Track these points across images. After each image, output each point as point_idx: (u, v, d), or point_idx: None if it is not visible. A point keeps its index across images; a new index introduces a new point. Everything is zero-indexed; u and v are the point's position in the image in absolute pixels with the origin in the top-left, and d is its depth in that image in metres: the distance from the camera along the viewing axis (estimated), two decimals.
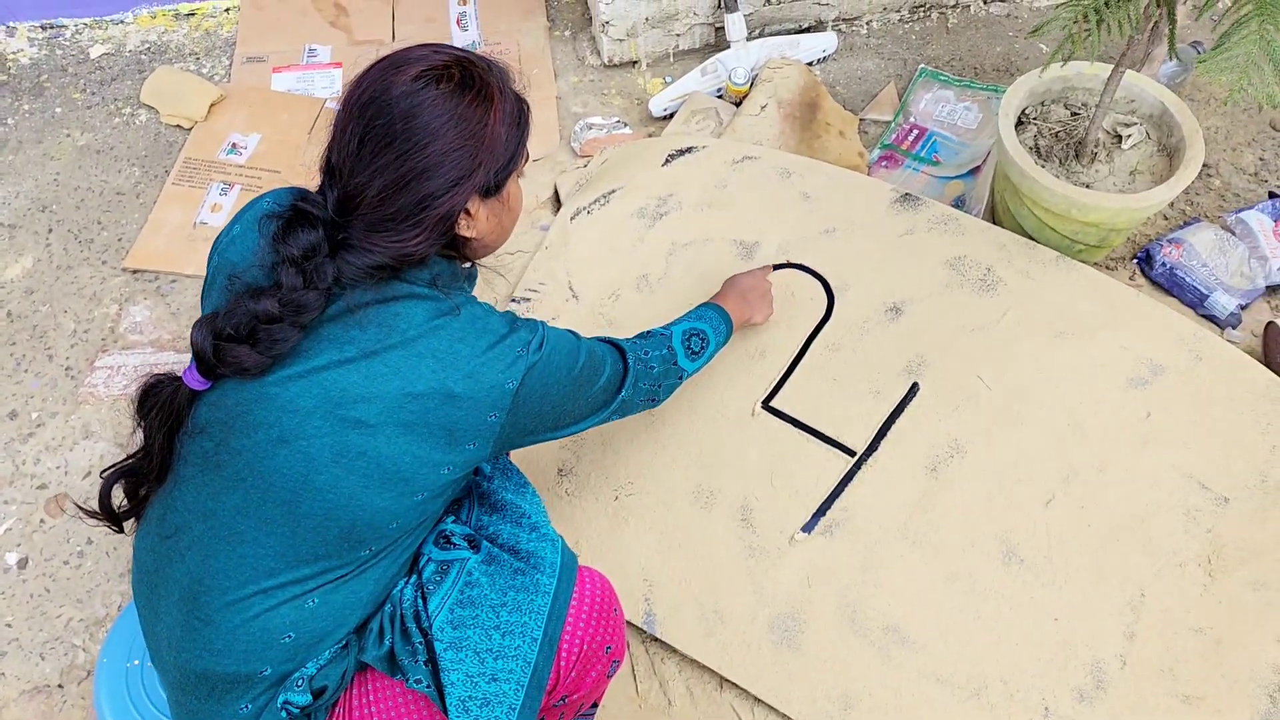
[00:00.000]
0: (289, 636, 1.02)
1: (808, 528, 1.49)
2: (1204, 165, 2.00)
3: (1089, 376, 1.60)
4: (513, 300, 1.81)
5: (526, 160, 1.11)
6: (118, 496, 1.08)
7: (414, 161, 0.98)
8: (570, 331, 1.17)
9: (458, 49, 1.05)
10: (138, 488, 1.07)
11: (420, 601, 1.08)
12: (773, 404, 1.61)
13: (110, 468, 1.06)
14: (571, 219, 1.89)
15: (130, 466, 1.05)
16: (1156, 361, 1.61)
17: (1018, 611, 1.41)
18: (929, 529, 1.48)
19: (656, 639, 1.46)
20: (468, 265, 1.15)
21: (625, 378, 1.24)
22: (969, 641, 1.40)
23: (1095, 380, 1.59)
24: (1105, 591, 1.42)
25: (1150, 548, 1.45)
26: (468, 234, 1.06)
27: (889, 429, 1.57)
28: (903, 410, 1.58)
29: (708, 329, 1.41)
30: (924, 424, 1.57)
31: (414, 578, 1.10)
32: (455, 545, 1.12)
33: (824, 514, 1.50)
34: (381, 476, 1.00)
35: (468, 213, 1.04)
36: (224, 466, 1.00)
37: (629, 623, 1.46)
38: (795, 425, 1.58)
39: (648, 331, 1.38)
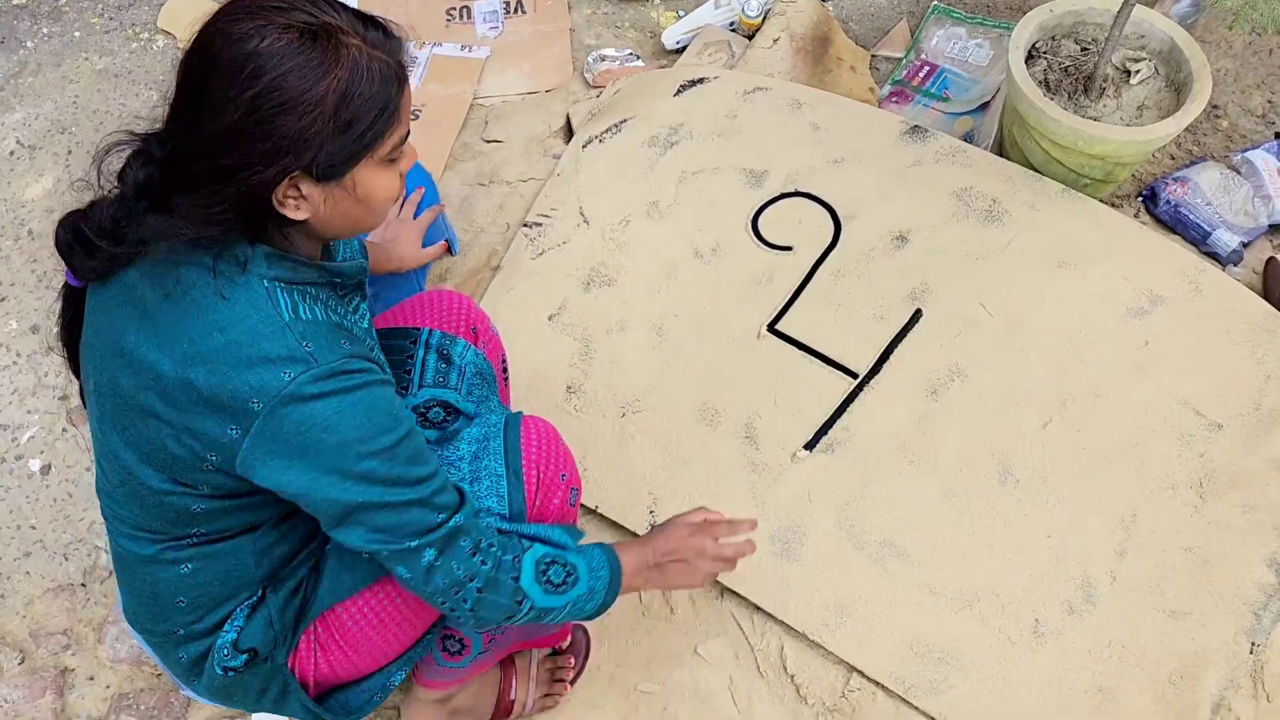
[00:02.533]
0: (181, 600, 1.01)
1: (810, 445, 1.52)
2: (1212, 106, 2.00)
3: (1089, 305, 1.62)
4: (525, 226, 1.82)
5: (397, 144, 0.91)
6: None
7: (215, 123, 0.83)
8: (412, 424, 0.94)
9: (337, 5, 0.88)
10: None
11: None
12: (778, 327, 1.63)
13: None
14: (583, 147, 1.90)
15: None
16: (1156, 292, 1.63)
17: (1011, 528, 1.45)
18: (927, 449, 1.51)
19: None
20: (335, 264, 0.99)
21: (441, 526, 0.94)
22: (963, 556, 1.43)
23: (1095, 309, 1.61)
24: (1098, 511, 1.45)
25: (1143, 471, 1.48)
26: (296, 216, 0.89)
27: (891, 353, 1.59)
28: (905, 335, 1.60)
29: (581, 566, 1.05)
30: (926, 349, 1.59)
31: None
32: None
33: (826, 433, 1.53)
34: (150, 452, 0.93)
35: (299, 192, 0.88)
36: (101, 403, 0.97)
37: (634, 534, 1.50)
38: (800, 348, 1.61)
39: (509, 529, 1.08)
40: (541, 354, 1.66)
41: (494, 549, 0.99)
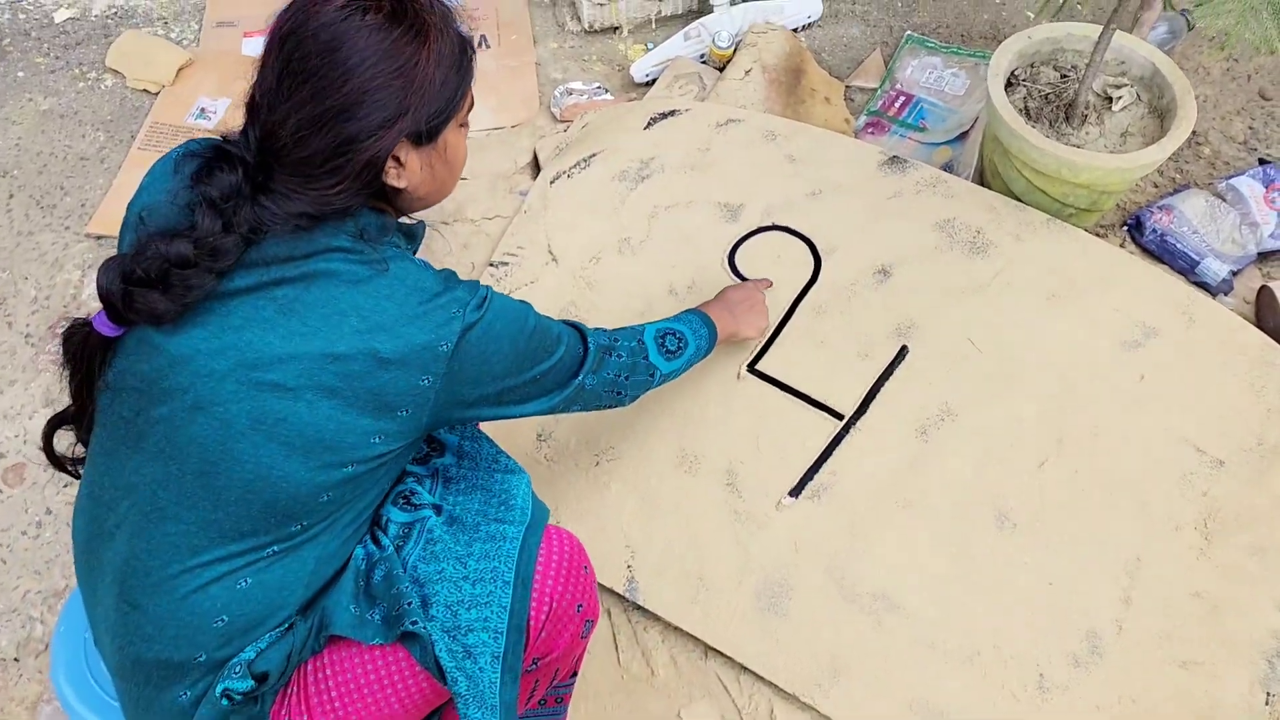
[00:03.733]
0: (221, 620, 0.94)
1: (795, 492, 1.44)
2: (1194, 134, 1.97)
3: (1081, 339, 1.55)
4: (490, 265, 1.75)
5: (469, 109, 1.02)
6: (70, 447, 1.02)
7: (332, 99, 0.89)
8: (524, 302, 1.05)
9: None
10: (81, 437, 1.01)
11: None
12: (758, 367, 1.56)
13: (54, 416, 1.00)
14: (551, 183, 1.83)
15: (66, 415, 0.99)
16: (1149, 324, 1.57)
17: (1011, 576, 1.37)
18: (919, 493, 1.43)
19: (639, 607, 1.41)
20: (408, 220, 1.06)
21: (585, 361, 1.12)
22: (961, 607, 1.35)
23: (1088, 342, 1.55)
24: (1100, 556, 1.38)
25: (1145, 512, 1.41)
26: (397, 184, 0.96)
27: (878, 392, 1.52)
28: (892, 373, 1.53)
29: (685, 330, 1.31)
30: (914, 387, 1.52)
31: (377, 537, 1.05)
32: (418, 506, 1.07)
33: (811, 478, 1.45)
34: (304, 445, 0.92)
35: (397, 161, 0.94)
36: (145, 437, 0.92)
37: (610, 590, 1.41)
38: (782, 388, 1.53)
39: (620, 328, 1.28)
40: None
41: (622, 343, 1.20)
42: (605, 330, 1.20)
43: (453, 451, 1.21)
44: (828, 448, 1.47)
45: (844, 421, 1.49)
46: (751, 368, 1.56)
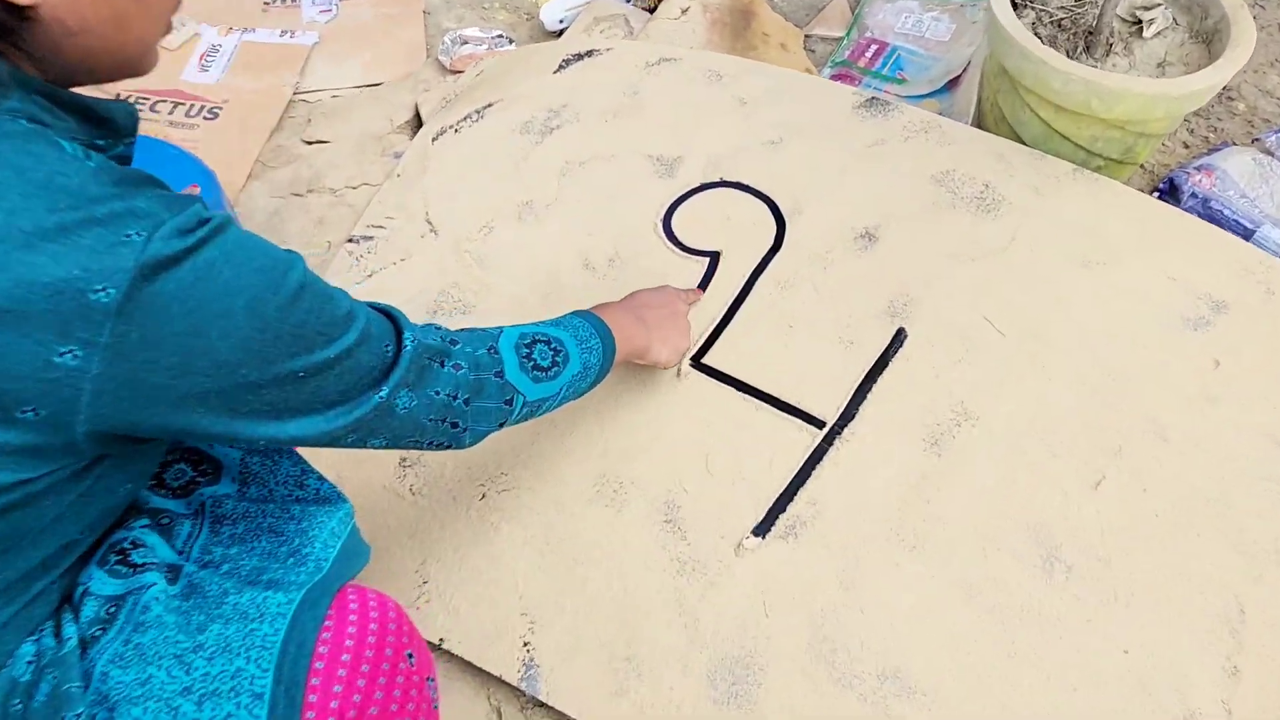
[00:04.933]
0: None
1: (760, 530, 1.03)
2: (1225, 89, 1.64)
3: (1132, 316, 1.18)
4: (350, 240, 1.33)
5: None
6: None
7: None
8: (290, 251, 0.62)
9: None
10: None
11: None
12: (706, 361, 1.16)
13: None
14: (434, 140, 1.43)
15: None
16: (1217, 296, 1.20)
17: (1069, 640, 0.97)
18: (933, 525, 1.03)
19: (540, 703, 0.98)
20: (88, 95, 0.62)
21: (395, 364, 0.68)
22: (1000, 688, 0.94)
23: (1141, 321, 1.17)
24: (1191, 608, 0.99)
25: (1242, 541, 1.02)
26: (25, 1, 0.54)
27: (869, 390, 1.12)
28: (886, 364, 1.14)
29: (566, 338, 0.88)
30: (917, 382, 1.13)
31: (63, 622, 0.62)
32: (140, 567, 0.65)
33: (783, 510, 1.05)
34: None
35: None
36: None
37: (498, 680, 0.98)
38: (739, 388, 1.13)
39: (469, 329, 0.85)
40: None
41: (463, 348, 0.77)
42: (441, 327, 0.78)
43: (232, 474, 0.79)
44: (804, 467, 1.07)
45: (825, 430, 1.10)
46: (696, 362, 1.15)
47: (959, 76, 1.58)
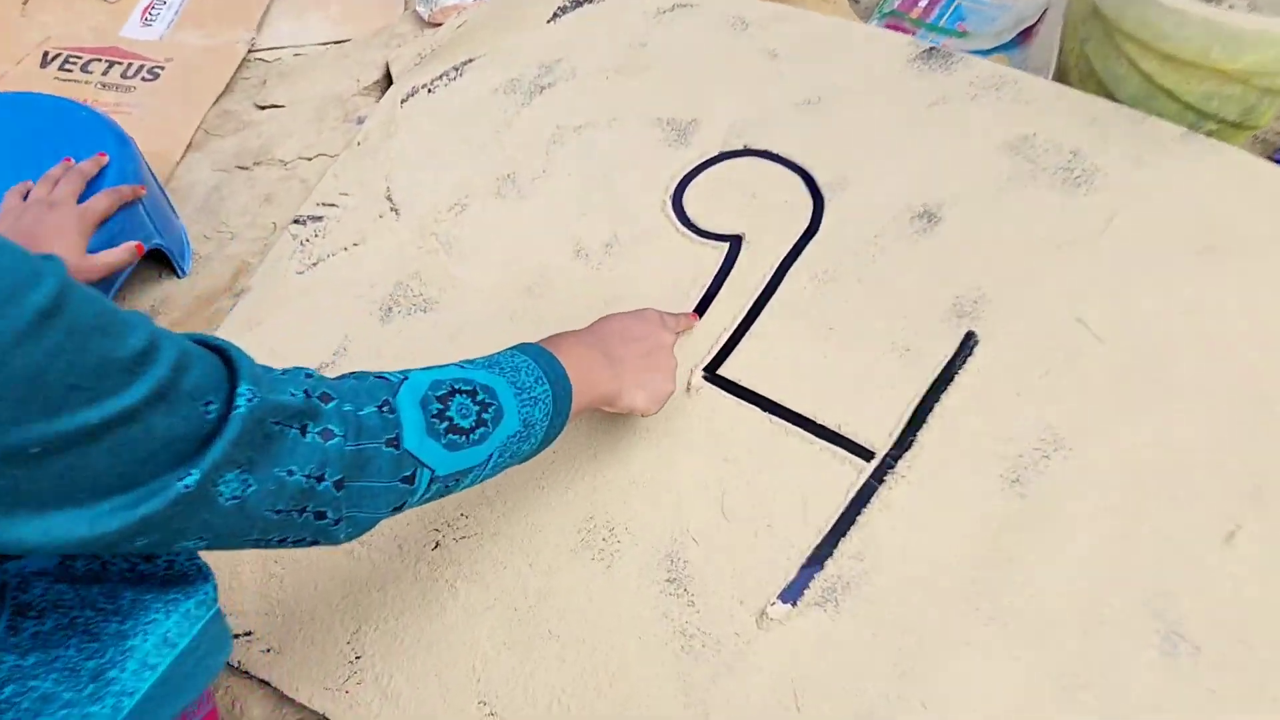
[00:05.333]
0: None
1: (790, 595, 0.80)
2: None
3: (1270, 316, 0.93)
4: (295, 222, 1.11)
5: None
6: None
7: None
8: (48, 255, 0.41)
9: None
10: None
11: None
12: (722, 371, 0.92)
13: None
14: (402, 102, 1.21)
15: None
16: None
17: None
18: (1017, 592, 0.79)
19: None
20: None
21: (218, 431, 0.47)
22: None
23: None
24: None
25: None
26: None
27: (930, 411, 0.88)
28: (952, 378, 0.90)
29: (500, 386, 0.65)
30: (992, 401, 0.89)
31: None
32: None
33: (820, 567, 0.81)
34: None
35: None
36: None
37: None
38: (764, 407, 0.90)
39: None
40: None
41: (339, 404, 0.54)
42: (314, 375, 0.56)
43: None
44: (848, 512, 0.84)
45: (875, 463, 0.86)
46: (711, 374, 0.92)
47: (1033, 27, 1.33)
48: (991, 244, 0.98)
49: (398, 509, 0.59)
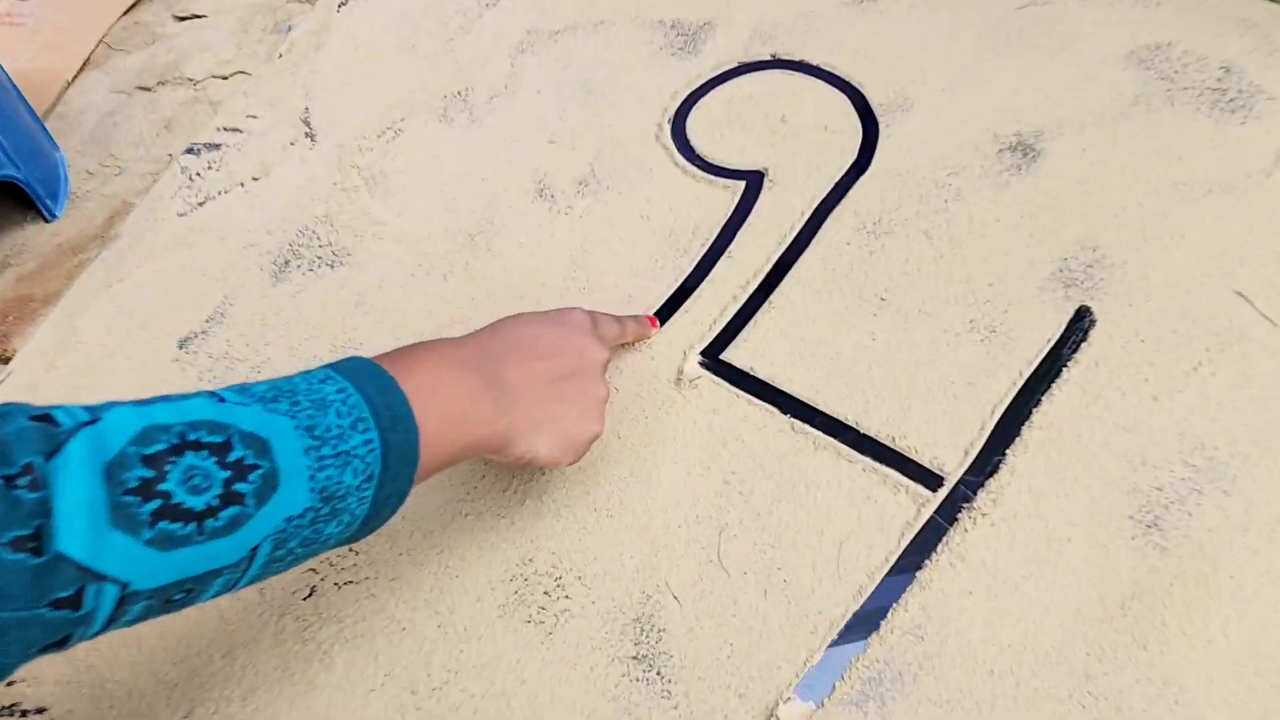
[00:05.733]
0: None
1: (812, 688, 0.54)
2: None
3: None
4: (187, 151, 0.87)
5: None
6: None
7: None
8: None
9: None
10: None
11: None
12: (727, 356, 0.66)
13: None
14: (340, 6, 0.96)
15: None
16: None
17: None
18: (1152, 692, 0.52)
19: None
20: None
21: None
22: None
23: None
24: None
25: None
26: None
27: (1025, 419, 0.62)
28: (1058, 373, 0.63)
29: (279, 432, 0.40)
30: (1114, 410, 0.62)
31: None
32: None
33: (860, 645, 0.55)
34: None
35: None
36: None
37: None
38: (782, 409, 0.64)
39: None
40: None
41: None
42: None
43: None
44: (903, 564, 0.57)
45: (945, 493, 0.59)
46: (711, 359, 0.66)
47: None
48: (1112, 188, 0.71)
49: (56, 646, 0.34)
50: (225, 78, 0.98)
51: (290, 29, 0.99)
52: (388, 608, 0.60)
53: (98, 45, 1.05)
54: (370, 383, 0.44)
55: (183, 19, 1.07)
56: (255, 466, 0.37)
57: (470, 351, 0.52)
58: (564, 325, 0.57)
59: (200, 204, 0.81)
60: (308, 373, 0.44)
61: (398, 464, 0.44)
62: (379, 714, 0.56)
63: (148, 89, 0.99)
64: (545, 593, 0.59)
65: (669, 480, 0.62)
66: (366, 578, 0.61)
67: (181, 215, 0.81)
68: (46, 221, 0.89)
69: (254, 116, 0.87)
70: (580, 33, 0.86)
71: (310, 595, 0.61)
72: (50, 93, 1.01)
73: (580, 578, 0.59)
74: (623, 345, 0.66)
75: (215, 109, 0.94)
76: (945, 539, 0.58)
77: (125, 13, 1.08)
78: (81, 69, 1.03)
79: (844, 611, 0.56)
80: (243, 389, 0.41)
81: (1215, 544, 0.56)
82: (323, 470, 0.40)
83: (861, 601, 0.57)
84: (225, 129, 0.87)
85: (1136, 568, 0.56)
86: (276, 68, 0.92)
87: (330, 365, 0.45)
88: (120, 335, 0.73)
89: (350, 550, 0.62)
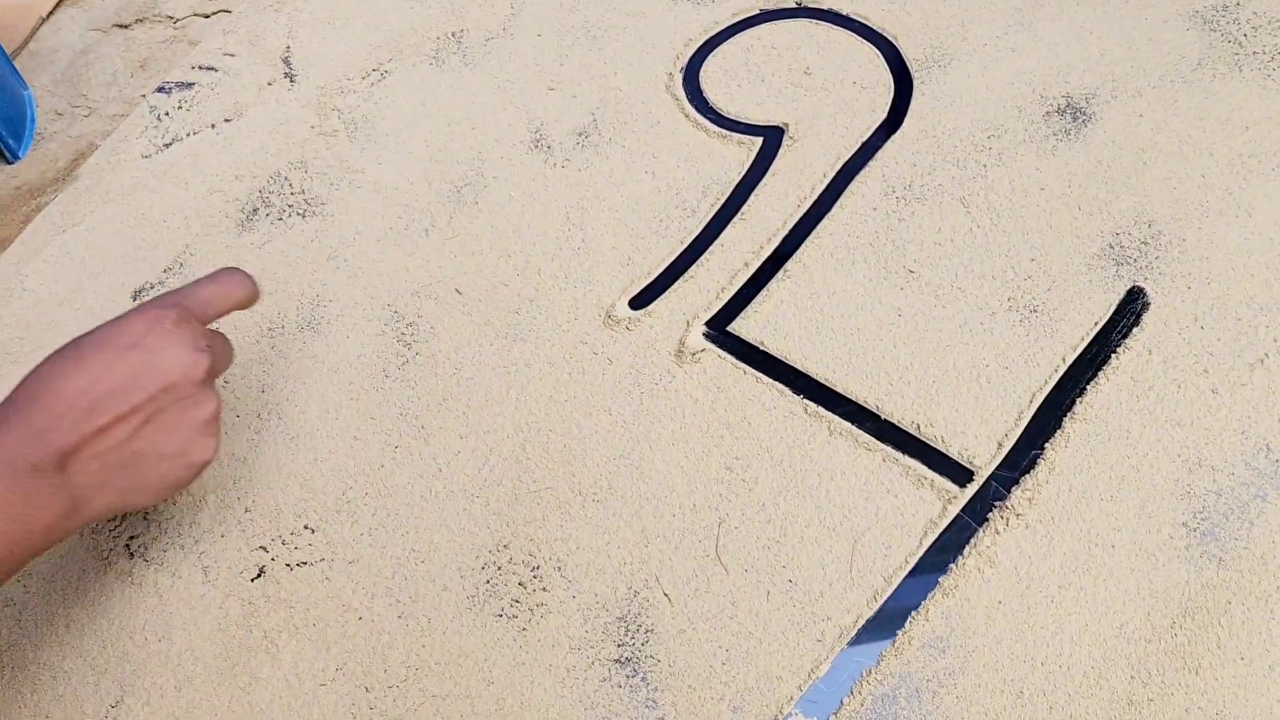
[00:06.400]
0: None
1: (819, 703, 0.48)
2: None
3: None
4: (159, 90, 0.81)
5: None
6: None
7: None
8: None
9: None
10: None
11: None
12: (734, 328, 0.60)
13: None
14: None
15: None
16: None
17: None
18: (1211, 706, 0.47)
19: None
20: None
21: None
22: None
23: None
24: None
25: None
26: None
27: (1067, 413, 0.55)
28: (1106, 360, 0.57)
29: None
30: (1168, 401, 0.55)
31: None
32: None
33: (873, 658, 0.49)
34: None
35: None
36: None
37: None
38: (794, 388, 0.57)
39: None
40: None
41: None
42: None
43: None
44: (925, 566, 0.51)
45: (975, 489, 0.53)
46: (718, 330, 0.60)
47: None
48: (1170, 157, 0.64)
49: None
50: (207, 16, 0.92)
51: None
52: (344, 593, 0.54)
53: None
54: None
55: None
56: None
57: (19, 440, 0.42)
58: (135, 351, 0.45)
59: (167, 145, 0.75)
60: None
61: None
62: (328, 712, 0.51)
63: (125, 26, 0.93)
64: (520, 584, 0.53)
65: (664, 464, 0.56)
66: (322, 559, 0.55)
67: (146, 157, 0.75)
68: (8, 163, 0.83)
69: (231, 55, 0.81)
70: None
71: (258, 576, 0.55)
72: (23, 29, 0.95)
73: (560, 568, 0.53)
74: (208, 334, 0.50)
75: (195, 48, 0.88)
76: (974, 541, 0.52)
77: None
78: (58, 5, 0.97)
79: (856, 618, 0.50)
80: None
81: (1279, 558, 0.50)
82: None
83: (876, 608, 0.50)
84: (200, 67, 0.81)
85: (1190, 581, 0.49)
86: (259, 4, 0.85)
87: None
88: (70, 284, 0.68)
89: (305, 528, 0.56)
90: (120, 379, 0.44)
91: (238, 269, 0.51)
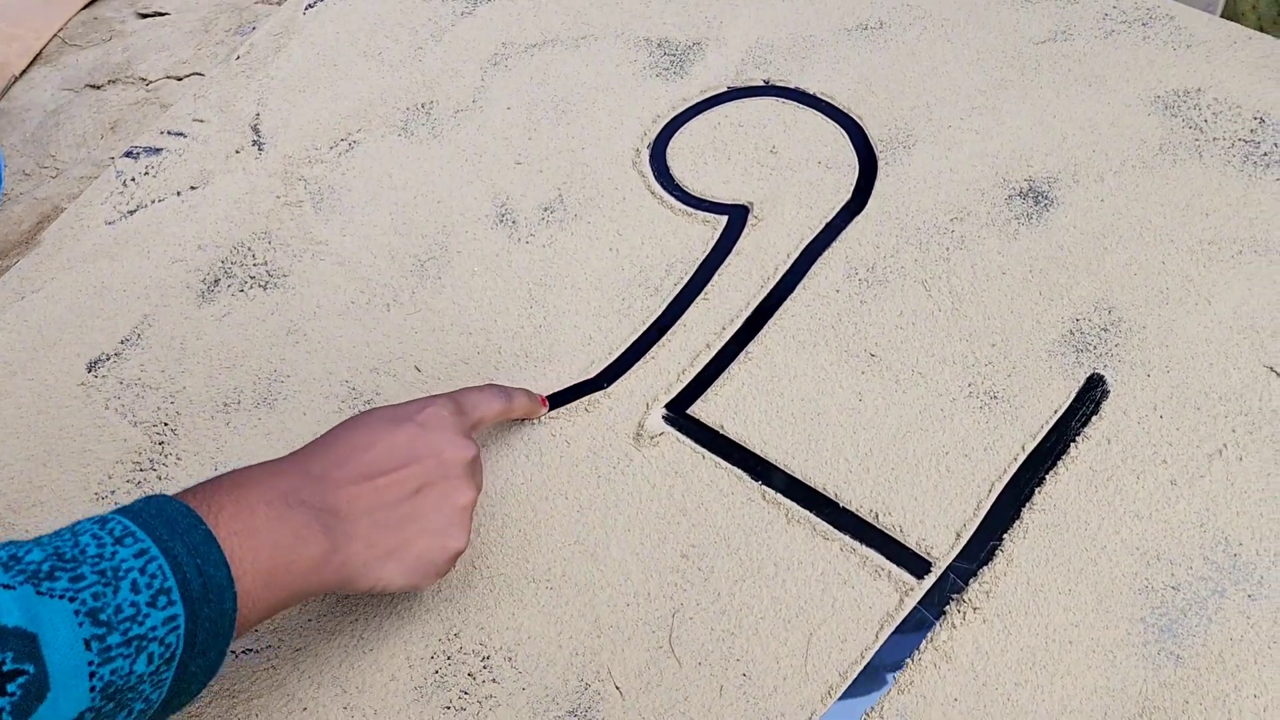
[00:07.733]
0: None
1: None
2: None
3: None
4: (127, 154, 0.81)
5: None
6: None
7: None
8: None
9: None
10: None
11: None
12: (695, 411, 0.60)
13: None
14: (308, 8, 0.90)
15: None
16: None
17: None
18: None
19: None
20: None
21: None
22: None
23: None
24: None
25: None
26: None
27: (1025, 503, 0.55)
28: (1064, 449, 0.57)
29: (52, 627, 0.33)
30: (1127, 493, 0.55)
31: None
32: None
33: None
34: None
35: None
36: None
37: None
38: (753, 474, 0.57)
39: None
40: (50, 464, 0.62)
41: None
42: None
43: None
44: (881, 660, 0.51)
45: (932, 580, 0.53)
46: (677, 413, 0.60)
47: None
48: (1131, 243, 0.65)
49: None
50: (180, 79, 0.92)
51: (254, 29, 0.93)
52: (288, 683, 0.53)
53: (51, 40, 1.00)
54: (180, 538, 0.38)
55: (145, 16, 1.02)
56: (18, 673, 0.31)
57: (295, 480, 0.45)
58: (414, 425, 0.50)
59: (131, 212, 0.75)
60: (102, 524, 0.37)
61: (207, 641, 0.38)
62: None
63: (97, 87, 0.94)
64: (470, 674, 0.52)
65: (619, 551, 0.55)
66: (268, 646, 0.54)
67: (110, 223, 0.75)
68: None
69: (200, 120, 0.81)
70: (559, 47, 0.81)
71: None
72: None
73: (511, 659, 0.53)
74: (483, 424, 0.55)
75: (165, 112, 0.89)
76: (930, 635, 0.51)
77: (85, 6, 1.03)
78: (31, 64, 0.98)
79: (810, 715, 0.50)
80: (12, 559, 0.34)
81: (1238, 657, 0.50)
82: (109, 664, 0.34)
83: (830, 704, 0.50)
84: (168, 133, 0.81)
85: (1147, 680, 0.49)
86: (231, 70, 0.86)
87: (130, 511, 0.39)
88: (25, 353, 0.67)
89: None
90: (399, 445, 0.49)
91: (505, 386, 0.58)
